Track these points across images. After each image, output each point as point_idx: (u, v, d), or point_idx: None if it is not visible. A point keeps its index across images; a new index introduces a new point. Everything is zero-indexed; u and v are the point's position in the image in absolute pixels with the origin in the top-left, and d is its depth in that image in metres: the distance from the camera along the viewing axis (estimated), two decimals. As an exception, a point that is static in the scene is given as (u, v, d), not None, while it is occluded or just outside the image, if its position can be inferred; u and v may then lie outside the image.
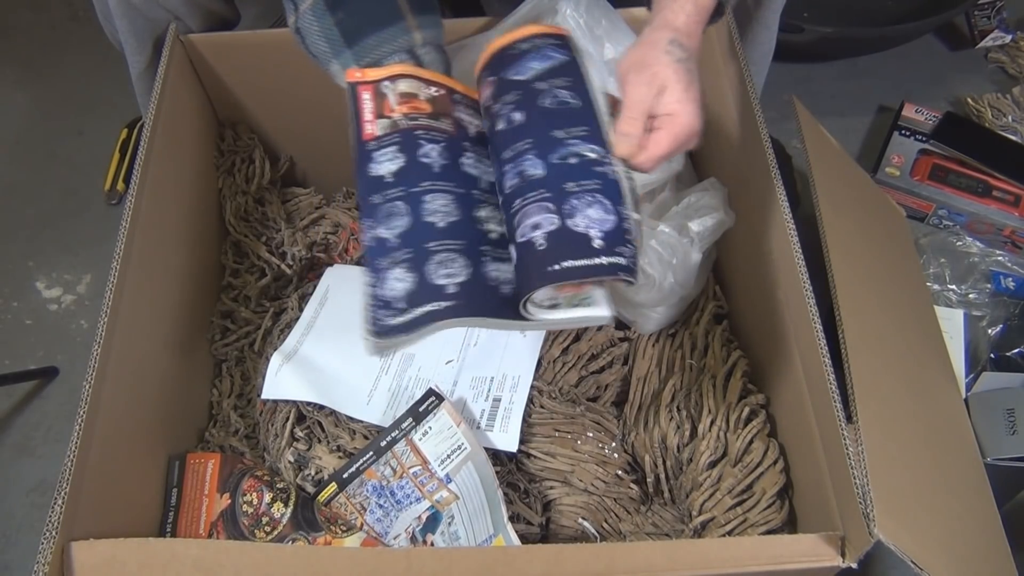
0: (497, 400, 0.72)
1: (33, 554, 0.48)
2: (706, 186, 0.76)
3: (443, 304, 0.50)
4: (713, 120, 0.77)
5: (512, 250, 0.54)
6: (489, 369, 0.74)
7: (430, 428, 0.68)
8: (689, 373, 0.74)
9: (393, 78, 0.59)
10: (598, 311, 0.54)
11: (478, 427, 0.70)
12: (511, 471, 0.71)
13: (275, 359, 0.74)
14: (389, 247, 0.53)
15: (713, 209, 0.73)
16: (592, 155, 0.54)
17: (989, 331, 0.92)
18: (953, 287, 0.94)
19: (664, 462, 0.71)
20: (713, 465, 0.68)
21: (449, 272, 0.52)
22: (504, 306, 0.53)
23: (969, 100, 1.15)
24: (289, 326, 0.79)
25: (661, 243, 0.70)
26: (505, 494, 0.66)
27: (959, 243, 0.98)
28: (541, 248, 0.52)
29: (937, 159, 1.04)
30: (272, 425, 0.73)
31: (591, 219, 0.52)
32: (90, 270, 1.04)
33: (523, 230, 0.53)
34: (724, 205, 0.74)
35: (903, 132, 1.07)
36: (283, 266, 0.84)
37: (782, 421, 0.68)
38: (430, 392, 0.70)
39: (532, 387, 0.73)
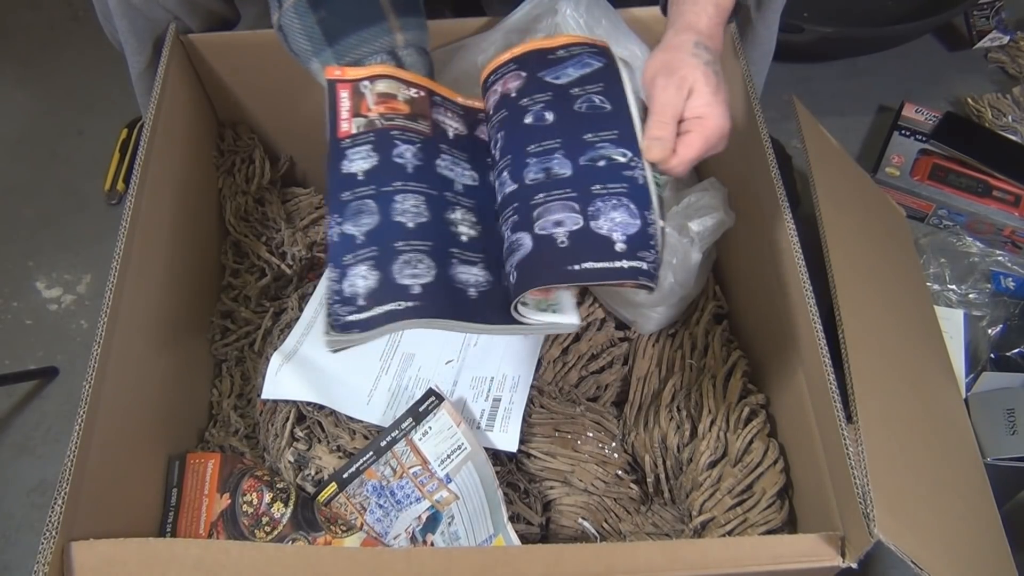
0: (497, 400, 0.72)
1: (33, 554, 0.49)
2: (706, 186, 0.76)
3: (404, 304, 0.50)
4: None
5: (526, 239, 0.53)
6: (489, 369, 0.74)
7: (430, 428, 0.68)
8: (689, 373, 0.74)
9: (372, 78, 0.59)
10: (566, 318, 0.54)
11: (478, 427, 0.70)
12: (511, 471, 0.71)
13: (275, 359, 0.74)
14: (355, 244, 0.52)
15: (713, 209, 0.73)
16: (621, 159, 0.55)
17: (989, 331, 0.92)
18: (953, 287, 0.94)
19: (664, 462, 0.71)
20: (713, 465, 0.68)
21: (414, 272, 0.51)
22: (469, 309, 0.52)
23: (969, 100, 1.15)
24: (289, 326, 0.79)
25: (661, 243, 0.70)
26: (505, 494, 0.66)
27: (959, 243, 0.98)
28: (563, 246, 0.51)
29: (937, 159, 1.04)
30: (272, 425, 0.73)
31: (615, 222, 0.52)
32: (90, 270, 1.04)
33: (544, 224, 0.53)
34: (724, 205, 0.74)
35: (903, 132, 1.07)
36: (283, 266, 0.84)
37: (782, 421, 0.68)
38: (430, 392, 0.70)
39: (532, 387, 0.73)
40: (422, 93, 0.61)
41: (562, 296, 0.55)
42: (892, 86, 1.20)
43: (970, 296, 0.94)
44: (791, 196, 0.70)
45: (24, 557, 0.82)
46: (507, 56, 0.63)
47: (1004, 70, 1.22)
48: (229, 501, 0.67)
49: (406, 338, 0.77)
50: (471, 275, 0.54)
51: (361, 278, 0.51)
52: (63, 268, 1.04)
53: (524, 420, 0.71)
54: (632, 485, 0.72)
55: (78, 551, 0.50)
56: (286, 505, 0.67)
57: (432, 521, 0.67)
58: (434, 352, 0.76)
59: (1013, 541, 0.68)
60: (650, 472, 0.71)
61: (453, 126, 0.62)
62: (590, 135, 0.56)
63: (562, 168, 0.55)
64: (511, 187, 0.57)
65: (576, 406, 0.75)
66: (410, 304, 0.50)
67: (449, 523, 0.66)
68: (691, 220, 0.72)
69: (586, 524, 0.70)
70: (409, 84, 0.60)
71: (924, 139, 1.06)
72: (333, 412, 0.73)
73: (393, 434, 0.68)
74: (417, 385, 0.74)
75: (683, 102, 0.55)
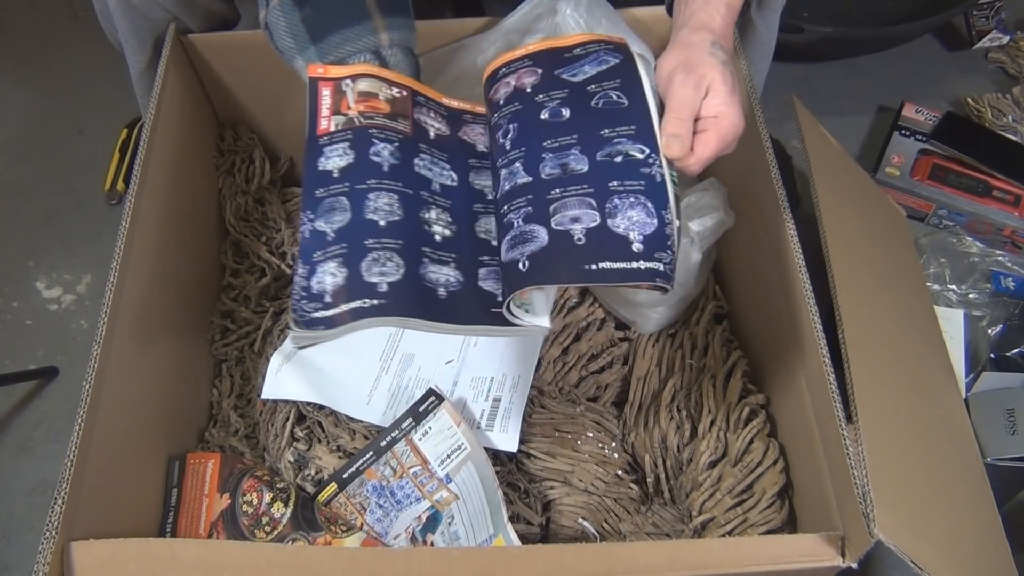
0: (497, 400, 0.72)
1: (33, 554, 0.48)
2: (706, 186, 0.76)
3: (371, 302, 0.50)
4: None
5: (541, 231, 0.53)
6: (489, 369, 0.74)
7: (430, 428, 0.68)
8: (689, 373, 0.74)
9: (354, 77, 0.59)
10: (538, 320, 0.54)
11: (478, 427, 0.70)
12: (511, 471, 0.71)
13: (275, 359, 0.74)
14: (325, 241, 0.52)
15: (713, 209, 0.73)
16: (639, 155, 0.54)
17: (989, 331, 0.92)
18: (953, 287, 0.94)
19: (664, 462, 0.71)
20: (713, 465, 0.68)
21: (383, 271, 0.51)
22: (437, 309, 0.52)
23: (969, 100, 1.15)
24: (289, 326, 0.79)
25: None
26: (505, 494, 0.66)
27: (959, 243, 0.97)
28: (580, 243, 0.51)
29: (937, 159, 1.04)
30: (272, 425, 0.73)
31: (632, 221, 0.52)
32: (90, 270, 1.04)
33: (560, 219, 0.53)
34: (724, 205, 0.74)
35: (903, 132, 1.07)
36: (283, 266, 0.84)
37: (782, 421, 0.68)
38: (430, 392, 0.70)
39: (532, 387, 0.73)
40: (404, 93, 0.61)
41: (536, 297, 0.54)
42: (892, 86, 1.20)
43: (970, 296, 0.93)
44: (791, 196, 0.70)
45: (24, 557, 0.82)
46: (521, 52, 0.62)
47: (1004, 70, 1.22)
48: (229, 501, 0.67)
49: (406, 338, 0.77)
50: (442, 275, 0.54)
51: (330, 275, 0.51)
52: (63, 268, 1.04)
53: (524, 420, 0.71)
54: (632, 485, 0.72)
55: (78, 551, 0.50)
56: (286, 505, 0.67)
57: (432, 521, 0.67)
58: (434, 352, 0.76)
59: (1013, 541, 0.68)
60: (650, 472, 0.71)
61: (435, 126, 0.61)
62: (607, 130, 0.56)
63: (579, 163, 0.55)
64: (524, 179, 0.56)
65: (576, 406, 0.75)
66: (376, 302, 0.50)
67: (449, 523, 0.66)
68: (691, 220, 0.72)
69: (586, 524, 0.70)
70: (392, 84, 0.60)
71: (924, 139, 1.06)
72: (333, 412, 0.73)
73: (393, 434, 0.68)
74: (417, 385, 0.74)
75: (700, 100, 0.55)
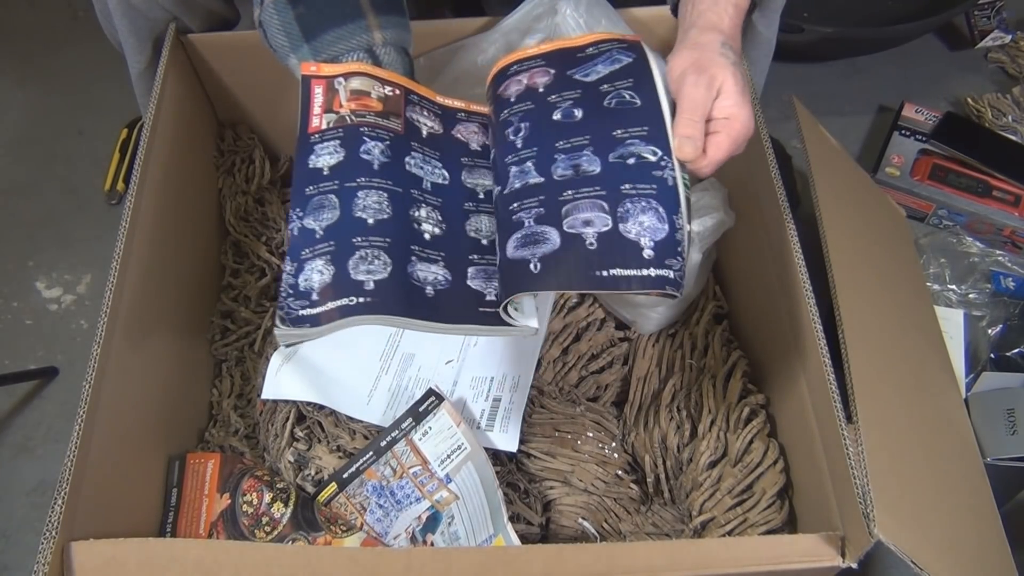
0: (497, 400, 0.72)
1: (33, 554, 0.48)
2: (706, 186, 0.76)
3: (357, 300, 0.50)
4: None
5: (553, 233, 0.53)
6: (489, 369, 0.74)
7: (430, 428, 0.68)
8: (689, 373, 0.74)
9: (347, 75, 0.59)
10: (526, 320, 0.54)
11: (478, 427, 0.70)
12: (511, 471, 0.71)
13: (275, 359, 0.74)
14: (314, 239, 0.52)
15: (713, 209, 0.73)
16: (651, 157, 0.54)
17: (989, 331, 0.92)
18: (953, 287, 0.94)
19: (664, 462, 0.71)
20: (713, 465, 0.68)
21: (370, 269, 0.51)
22: (425, 307, 0.52)
23: (969, 100, 1.15)
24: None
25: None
26: (505, 494, 0.66)
27: (959, 243, 0.97)
28: (591, 248, 0.51)
29: (937, 159, 1.04)
30: (272, 425, 0.73)
31: (643, 226, 0.51)
32: (90, 270, 1.04)
33: (572, 221, 0.52)
34: (724, 205, 0.74)
35: (903, 132, 1.07)
36: (283, 266, 0.84)
37: (782, 421, 0.68)
38: (430, 392, 0.70)
39: (532, 387, 0.73)
40: (397, 91, 0.61)
41: (525, 299, 0.54)
42: (892, 86, 1.20)
43: (970, 296, 0.93)
44: (791, 196, 0.70)
45: (24, 557, 0.82)
46: (534, 51, 0.62)
47: (1004, 70, 1.22)
48: (229, 501, 0.67)
49: (406, 338, 0.77)
50: (430, 273, 0.54)
51: (317, 272, 0.51)
52: (63, 268, 1.04)
53: (524, 420, 0.71)
54: (632, 485, 0.72)
55: (78, 551, 0.50)
56: (286, 505, 0.67)
57: (432, 521, 0.67)
58: (434, 352, 0.76)
59: (1013, 541, 0.68)
60: (650, 472, 0.71)
61: (428, 125, 0.61)
62: (619, 131, 0.55)
63: (591, 165, 0.55)
64: (536, 179, 0.56)
65: (576, 406, 0.75)
66: (363, 300, 0.50)
67: (449, 523, 0.66)
68: (691, 220, 0.72)
69: (586, 524, 0.70)
70: (384, 82, 0.60)
71: (924, 139, 1.06)
72: (333, 412, 0.73)
73: (393, 434, 0.68)
74: (417, 385, 0.74)
75: (712, 102, 0.55)
